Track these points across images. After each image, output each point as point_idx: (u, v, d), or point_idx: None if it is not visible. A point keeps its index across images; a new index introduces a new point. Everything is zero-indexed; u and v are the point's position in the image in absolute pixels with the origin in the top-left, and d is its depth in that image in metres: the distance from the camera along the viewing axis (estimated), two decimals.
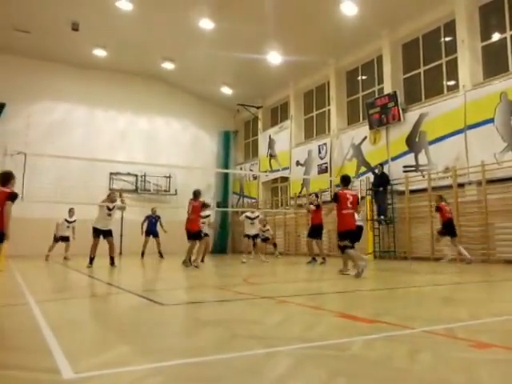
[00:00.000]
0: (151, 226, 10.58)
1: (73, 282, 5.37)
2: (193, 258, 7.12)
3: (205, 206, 7.69)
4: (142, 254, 10.52)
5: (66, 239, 9.92)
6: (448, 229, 7.46)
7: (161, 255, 10.43)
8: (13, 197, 4.48)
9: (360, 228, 7.01)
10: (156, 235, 10.57)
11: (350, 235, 5.13)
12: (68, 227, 9.83)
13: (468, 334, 2.05)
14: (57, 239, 9.87)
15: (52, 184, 12.47)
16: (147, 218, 10.74)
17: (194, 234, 7.17)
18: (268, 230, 10.74)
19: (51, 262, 8.85)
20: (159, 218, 10.73)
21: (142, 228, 10.59)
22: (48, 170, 12.35)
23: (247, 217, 9.00)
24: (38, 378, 1.47)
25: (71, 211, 9.84)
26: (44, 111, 13.61)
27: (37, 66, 13.31)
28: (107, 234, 7.11)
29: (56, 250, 9.86)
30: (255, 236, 9.00)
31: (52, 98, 13.76)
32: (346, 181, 5.38)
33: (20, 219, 10.06)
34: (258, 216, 9.19)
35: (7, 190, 4.51)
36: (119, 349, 1.85)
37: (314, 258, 7.89)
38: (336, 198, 5.23)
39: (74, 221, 9.88)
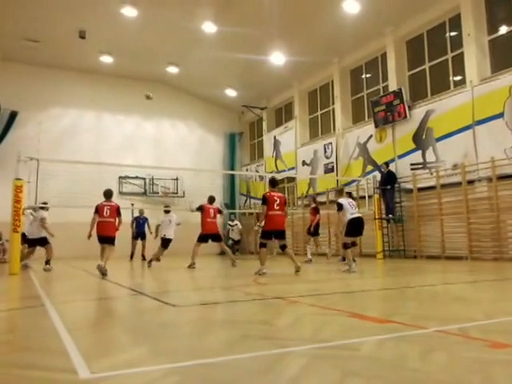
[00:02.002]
0: (140, 228, 10.57)
1: (86, 284, 5.46)
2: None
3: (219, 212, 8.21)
4: (131, 256, 10.57)
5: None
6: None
7: (144, 258, 10.36)
8: (120, 210, 6.28)
9: (361, 221, 6.20)
10: (143, 237, 10.57)
11: (274, 234, 5.62)
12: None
13: (483, 334, 2.02)
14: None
15: (63, 189, 12.70)
16: (135, 219, 10.72)
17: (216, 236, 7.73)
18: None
19: (63, 266, 8.98)
20: (147, 219, 10.75)
21: (132, 228, 10.58)
22: (59, 175, 12.56)
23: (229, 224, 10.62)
24: (55, 378, 1.50)
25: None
26: (54, 118, 13.85)
27: (46, 74, 13.56)
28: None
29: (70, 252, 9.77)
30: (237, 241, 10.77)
31: (62, 105, 14.01)
32: (273, 183, 5.80)
33: None
34: (237, 224, 10.70)
35: (114, 204, 6.22)
36: (134, 350, 1.88)
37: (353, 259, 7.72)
38: (264, 201, 5.52)
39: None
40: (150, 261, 7.84)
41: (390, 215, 9.74)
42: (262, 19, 10.04)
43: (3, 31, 11.14)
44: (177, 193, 14.99)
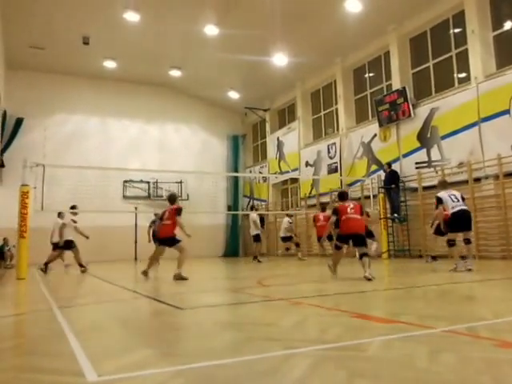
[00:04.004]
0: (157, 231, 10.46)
1: (92, 288, 5.50)
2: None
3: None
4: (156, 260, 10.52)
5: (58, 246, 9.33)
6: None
7: (157, 262, 10.28)
8: (179, 211, 5.89)
9: (465, 214, 5.45)
10: None
11: (351, 239, 5.08)
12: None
13: (492, 333, 1.99)
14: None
15: (69, 193, 12.83)
16: (153, 222, 10.25)
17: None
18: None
19: (72, 269, 9.07)
20: None
21: (148, 235, 10.30)
22: (65, 180, 12.73)
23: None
24: (63, 381, 1.51)
25: (61, 214, 9.24)
26: (59, 123, 14.03)
27: (51, 81, 13.75)
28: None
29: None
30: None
31: (66, 110, 14.18)
32: (342, 196, 5.33)
33: (40, 228, 10.35)
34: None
35: (174, 206, 6.00)
36: (141, 352, 1.88)
37: (433, 257, 7.18)
38: (336, 212, 5.13)
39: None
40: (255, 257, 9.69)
41: (395, 214, 9.66)
42: (263, 21, 10.06)
43: (9, 40, 11.33)
44: (181, 196, 15.05)
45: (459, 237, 5.67)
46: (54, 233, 9.13)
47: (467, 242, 5.59)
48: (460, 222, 5.37)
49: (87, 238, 7.96)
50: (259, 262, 9.74)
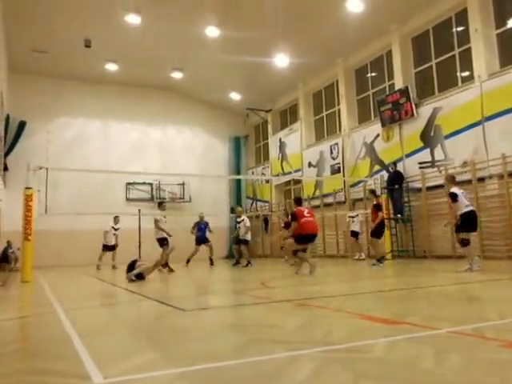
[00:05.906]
0: (202, 233, 10.06)
1: (96, 290, 5.51)
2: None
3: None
4: (188, 261, 10.03)
5: (112, 248, 10.06)
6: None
7: (211, 262, 9.95)
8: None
9: (476, 215, 5.49)
10: (207, 241, 10.12)
11: (309, 239, 5.90)
12: (114, 235, 10.02)
13: (498, 334, 1.98)
14: (106, 248, 10.04)
15: (72, 196, 12.90)
16: (197, 224, 10.18)
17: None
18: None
19: (73, 272, 9.11)
20: (207, 224, 10.27)
21: (193, 233, 10.07)
22: (68, 183, 12.80)
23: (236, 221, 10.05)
24: (69, 383, 1.52)
25: (117, 219, 10.00)
26: (62, 127, 14.12)
27: (53, 84, 13.86)
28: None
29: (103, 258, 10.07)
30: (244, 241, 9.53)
31: (69, 114, 14.28)
32: (298, 201, 6.34)
33: (44, 231, 10.43)
34: (244, 220, 9.71)
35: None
36: (145, 354, 1.89)
37: (379, 260, 7.34)
38: (294, 216, 5.98)
39: (119, 228, 10.13)
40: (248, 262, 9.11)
41: (399, 215, 9.61)
42: (264, 22, 10.07)
43: (11, 43, 11.44)
44: (183, 198, 15.08)
45: (473, 236, 5.76)
46: (107, 236, 9.86)
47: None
48: (474, 222, 5.45)
49: (170, 236, 8.05)
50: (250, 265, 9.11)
